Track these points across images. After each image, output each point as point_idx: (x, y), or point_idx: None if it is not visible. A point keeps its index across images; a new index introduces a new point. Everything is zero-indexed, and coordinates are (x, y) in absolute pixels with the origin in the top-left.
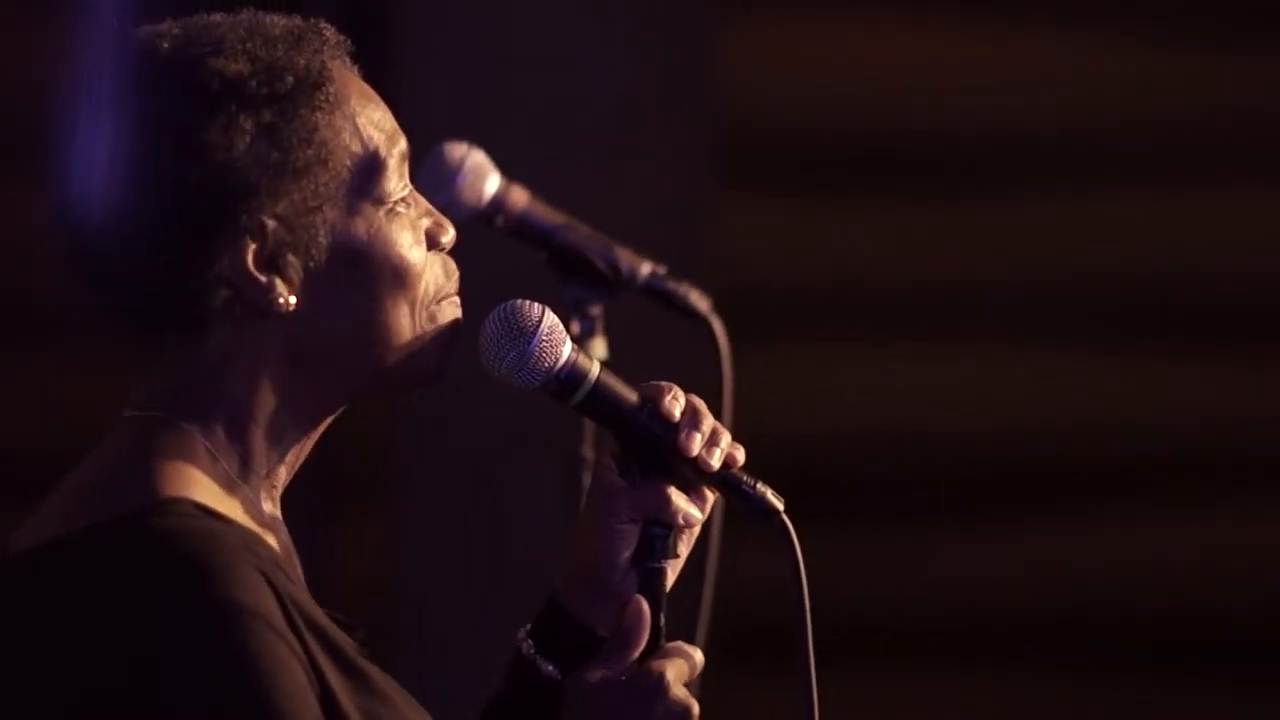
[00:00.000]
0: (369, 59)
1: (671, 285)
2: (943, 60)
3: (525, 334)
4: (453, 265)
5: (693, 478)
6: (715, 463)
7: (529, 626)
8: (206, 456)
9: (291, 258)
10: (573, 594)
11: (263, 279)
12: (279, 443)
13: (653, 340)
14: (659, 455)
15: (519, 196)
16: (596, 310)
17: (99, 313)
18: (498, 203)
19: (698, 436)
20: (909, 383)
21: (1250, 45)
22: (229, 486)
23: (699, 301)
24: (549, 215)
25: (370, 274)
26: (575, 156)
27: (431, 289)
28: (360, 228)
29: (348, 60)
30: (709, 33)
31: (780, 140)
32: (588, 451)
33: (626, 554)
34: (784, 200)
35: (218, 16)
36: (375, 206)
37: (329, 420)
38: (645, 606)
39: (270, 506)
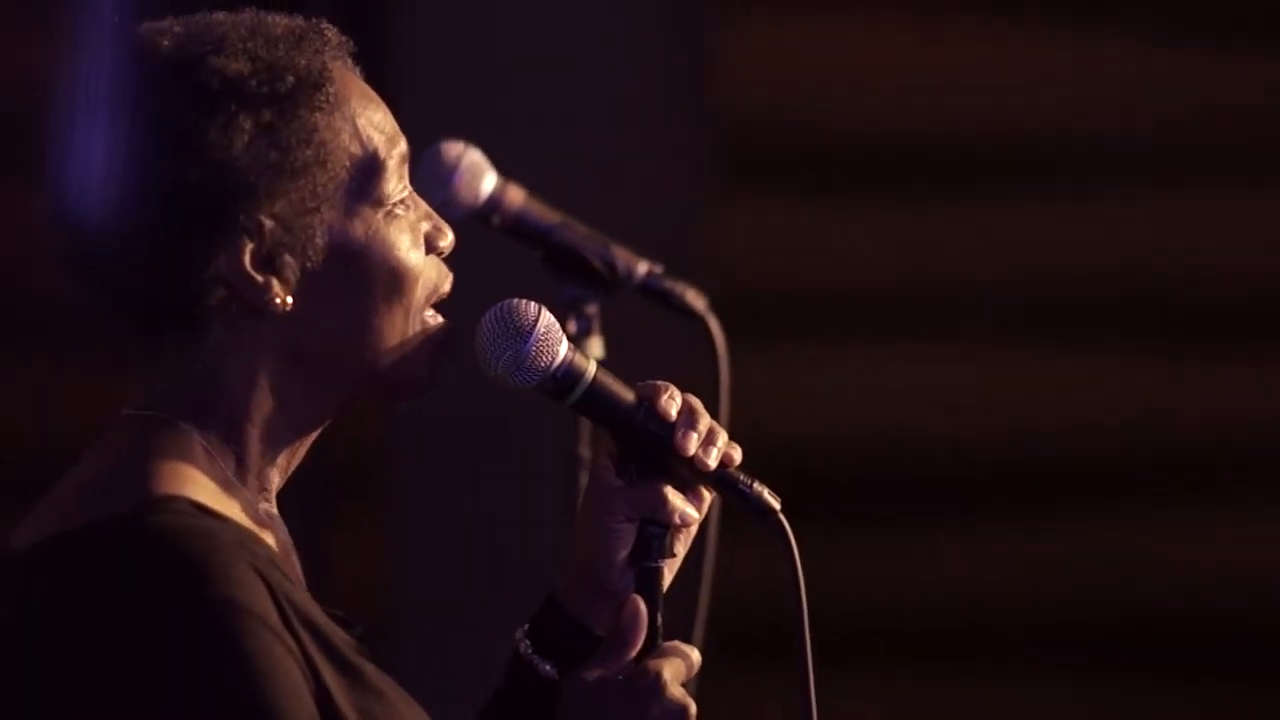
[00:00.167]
0: (367, 58)
1: (668, 284)
2: (942, 61)
3: (521, 333)
4: (446, 270)
5: (690, 477)
6: (712, 462)
7: (527, 626)
8: (204, 455)
9: (288, 258)
10: (570, 593)
11: (259, 279)
12: (275, 442)
13: (649, 339)
14: (656, 454)
15: (515, 195)
16: (593, 309)
17: (97, 312)
18: (494, 201)
19: (694, 436)
20: (907, 383)
21: (1250, 45)
22: (226, 485)
23: (696, 301)
24: (545, 214)
25: (367, 276)
26: (574, 156)
27: (424, 293)
28: (358, 229)
29: (349, 61)
30: (708, 33)
31: (779, 141)
32: (585, 451)
33: (624, 553)
34: (782, 200)
35: (220, 15)
36: (374, 208)
37: (325, 422)
38: (642, 606)
39: (267, 505)
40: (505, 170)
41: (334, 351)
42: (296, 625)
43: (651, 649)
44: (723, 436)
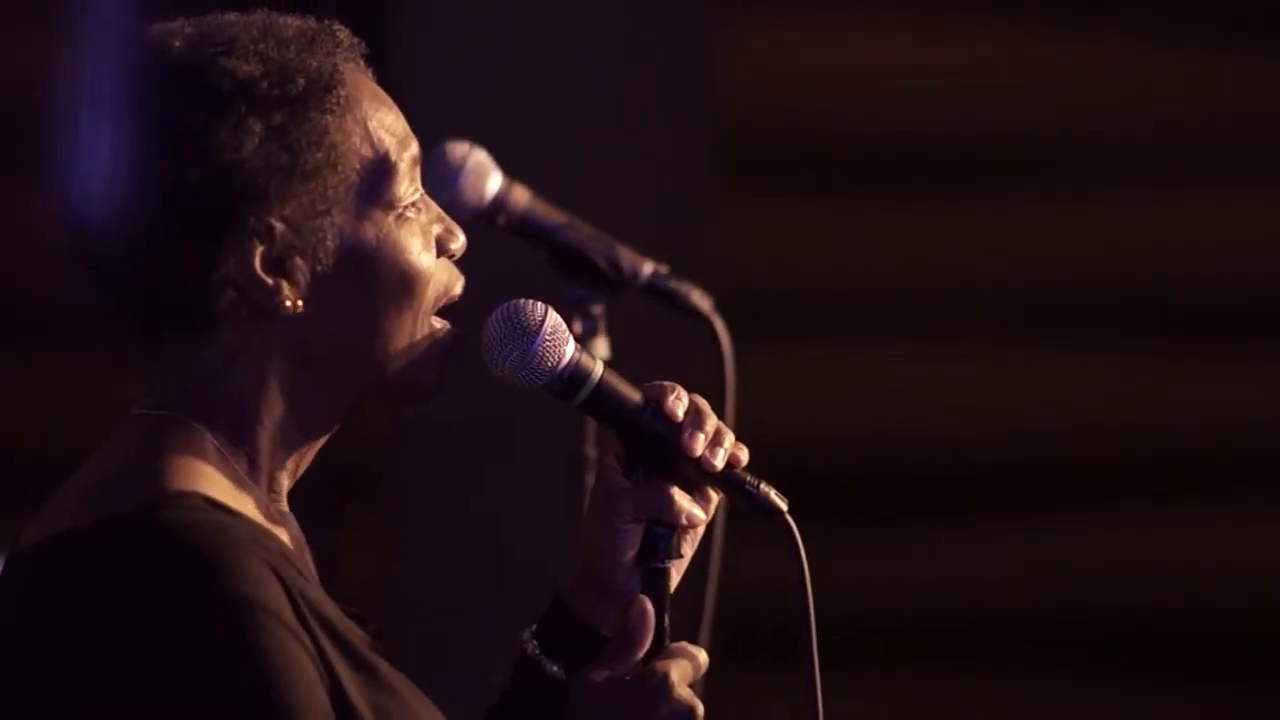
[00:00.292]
0: (368, 59)
1: (674, 285)
2: (942, 61)
3: (528, 334)
4: (457, 273)
5: (696, 478)
6: (719, 463)
7: (534, 627)
8: (215, 453)
9: (298, 261)
10: (577, 594)
11: (269, 281)
12: (285, 444)
13: (655, 340)
14: (662, 455)
15: (521, 196)
16: (598, 310)
17: (105, 313)
18: (500, 202)
19: (701, 436)
20: (908, 383)
21: (1250, 45)
22: (238, 482)
23: (701, 301)
24: (551, 214)
25: (377, 278)
26: (575, 157)
27: (435, 295)
28: (369, 232)
29: (362, 63)
30: (709, 33)
31: (779, 140)
32: (591, 451)
33: (630, 554)
34: (783, 200)
35: (232, 16)
36: (385, 211)
37: (335, 425)
38: (649, 607)
39: (282, 504)
40: (506, 171)
41: (343, 354)
42: (311, 621)
43: (659, 650)
44: (729, 437)
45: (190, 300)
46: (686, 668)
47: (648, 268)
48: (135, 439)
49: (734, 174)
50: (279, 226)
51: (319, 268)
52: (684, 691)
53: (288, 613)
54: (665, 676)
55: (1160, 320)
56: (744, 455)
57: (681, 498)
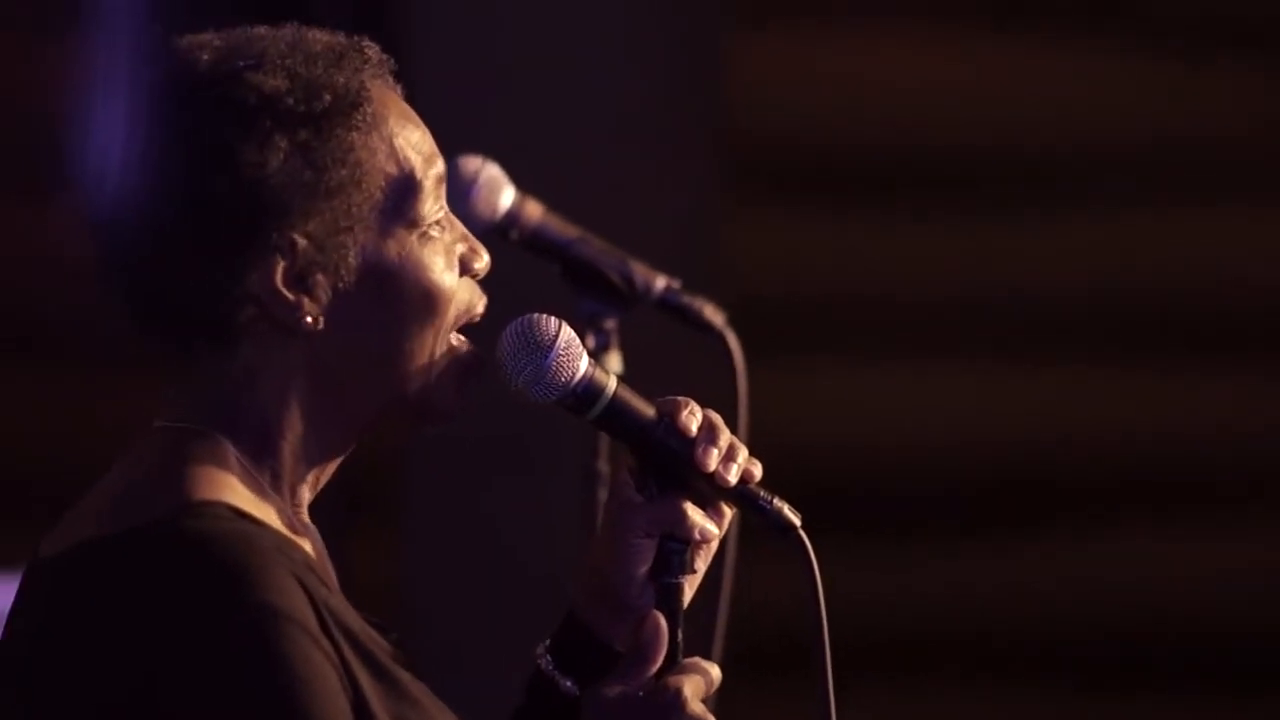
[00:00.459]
0: (396, 75)
1: (686, 299)
2: (951, 73)
3: (542, 348)
4: (480, 292)
5: (710, 493)
6: (733, 478)
7: (547, 642)
8: (238, 465)
9: (320, 277)
10: (590, 609)
11: (291, 297)
12: (306, 457)
13: (668, 354)
14: (676, 470)
15: (533, 210)
16: (611, 324)
17: (126, 325)
18: (512, 216)
19: (715, 451)
20: (920, 396)
21: (1253, 60)
22: (261, 493)
23: (714, 316)
24: (564, 229)
25: (399, 297)
26: (585, 169)
27: (456, 314)
28: (392, 250)
29: (390, 80)
30: (720, 45)
31: (791, 153)
32: (603, 466)
33: (644, 569)
34: (795, 213)
35: (261, 30)
36: (408, 229)
37: (354, 441)
38: (663, 622)
39: (305, 516)
40: (516, 185)
41: (363, 371)
42: (334, 631)
43: (672, 665)
44: (743, 452)
45: (211, 313)
46: (699, 683)
47: (660, 282)
48: (158, 450)
49: (745, 187)
50: (302, 242)
51: (341, 284)
52: (697, 707)
53: (312, 622)
54: (678, 692)
55: (1166, 335)
56: (758, 470)
57: (695, 513)
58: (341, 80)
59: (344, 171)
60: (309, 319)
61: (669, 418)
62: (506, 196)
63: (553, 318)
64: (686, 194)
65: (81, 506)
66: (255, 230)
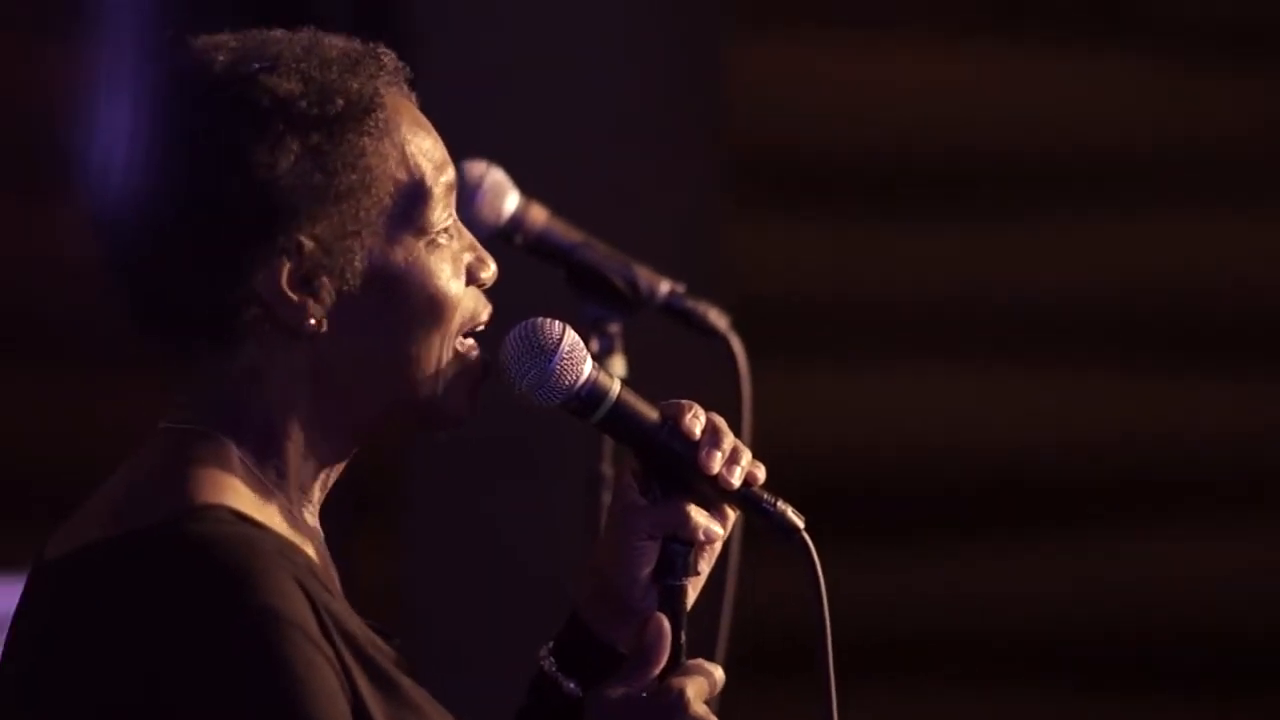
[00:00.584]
0: (411, 83)
1: (690, 303)
2: (951, 80)
3: (546, 352)
4: (485, 301)
5: (713, 495)
6: (736, 481)
7: (550, 644)
8: (242, 467)
9: (325, 280)
10: (593, 611)
11: (295, 299)
12: (311, 459)
13: (672, 358)
14: (679, 473)
15: (538, 214)
16: (615, 328)
17: (131, 321)
18: (517, 221)
19: (718, 454)
20: (923, 399)
21: (1252, 65)
22: (265, 496)
23: (718, 320)
24: (568, 233)
25: (403, 302)
26: (588, 174)
27: (461, 322)
28: (398, 256)
29: (405, 87)
30: (721, 50)
31: (793, 158)
32: (607, 469)
33: (647, 570)
34: (797, 218)
35: (278, 33)
36: (416, 236)
37: (359, 444)
38: (666, 624)
39: (309, 518)
40: (516, 187)
41: (365, 375)
42: (334, 635)
43: (675, 667)
44: (747, 455)
45: (215, 313)
46: (702, 684)
47: (665, 286)
48: (162, 452)
49: (745, 189)
50: (308, 245)
51: (345, 288)
52: (700, 708)
53: (312, 626)
54: (681, 693)
55: (1166, 336)
56: (761, 473)
57: (698, 514)
58: (356, 86)
59: (354, 176)
60: (312, 321)
61: (673, 420)
62: (511, 201)
63: (557, 321)
64: (687, 196)
65: (86, 508)
66: (263, 231)
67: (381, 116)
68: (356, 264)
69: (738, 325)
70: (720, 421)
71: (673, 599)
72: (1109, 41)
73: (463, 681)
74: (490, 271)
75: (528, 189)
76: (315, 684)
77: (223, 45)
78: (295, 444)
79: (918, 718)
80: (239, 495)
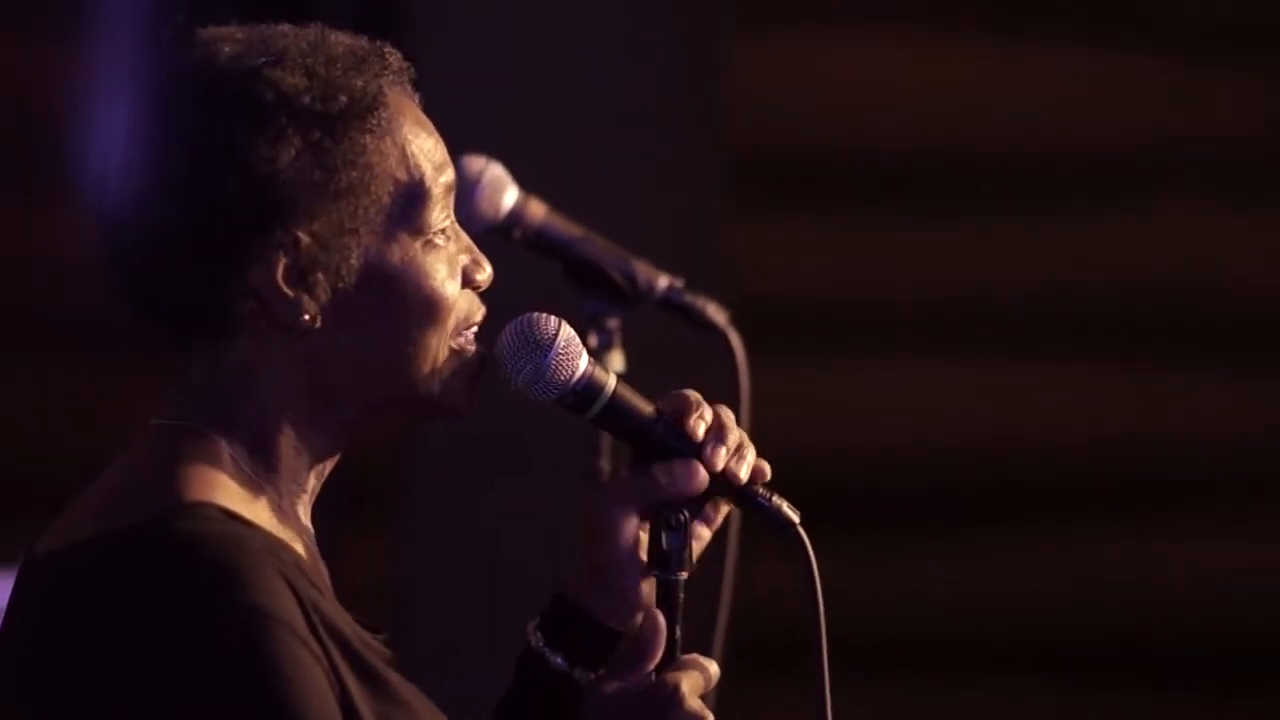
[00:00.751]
0: (415, 83)
1: (689, 298)
2: (951, 77)
3: (541, 347)
4: (479, 303)
5: (712, 490)
6: (744, 474)
7: (537, 619)
8: (232, 464)
9: (321, 276)
10: (575, 586)
11: (291, 294)
12: (303, 456)
13: (670, 353)
14: None
15: (537, 209)
16: (614, 323)
17: (127, 315)
18: (516, 215)
19: (723, 450)
20: (920, 396)
21: (1252, 63)
22: (255, 492)
23: (716, 315)
24: (567, 228)
25: (398, 302)
26: (587, 170)
27: (454, 322)
28: (395, 255)
29: (408, 87)
30: (721, 47)
31: (791, 155)
32: (604, 464)
33: (625, 540)
34: (797, 214)
35: (285, 27)
36: (413, 236)
37: (350, 440)
38: (661, 619)
39: (301, 515)
40: (519, 186)
41: (359, 372)
42: (322, 632)
43: (670, 661)
44: (751, 451)
45: (211, 306)
46: (697, 679)
47: (663, 281)
48: (152, 449)
49: (745, 187)
50: (305, 241)
51: (341, 285)
52: (695, 703)
53: (300, 623)
54: (676, 688)
55: (1166, 335)
56: (767, 469)
57: (662, 471)
58: (360, 84)
59: (354, 174)
60: (307, 317)
61: (675, 415)
62: (510, 196)
63: (552, 316)
64: (687, 194)
65: (77, 504)
66: (261, 226)
67: (384, 115)
68: (353, 261)
69: (738, 323)
70: (727, 415)
71: (668, 594)
72: (1109, 40)
73: (458, 678)
74: (486, 274)
75: (528, 187)
76: (303, 681)
77: (228, 38)
78: (287, 440)
79: (917, 715)
80: (228, 493)
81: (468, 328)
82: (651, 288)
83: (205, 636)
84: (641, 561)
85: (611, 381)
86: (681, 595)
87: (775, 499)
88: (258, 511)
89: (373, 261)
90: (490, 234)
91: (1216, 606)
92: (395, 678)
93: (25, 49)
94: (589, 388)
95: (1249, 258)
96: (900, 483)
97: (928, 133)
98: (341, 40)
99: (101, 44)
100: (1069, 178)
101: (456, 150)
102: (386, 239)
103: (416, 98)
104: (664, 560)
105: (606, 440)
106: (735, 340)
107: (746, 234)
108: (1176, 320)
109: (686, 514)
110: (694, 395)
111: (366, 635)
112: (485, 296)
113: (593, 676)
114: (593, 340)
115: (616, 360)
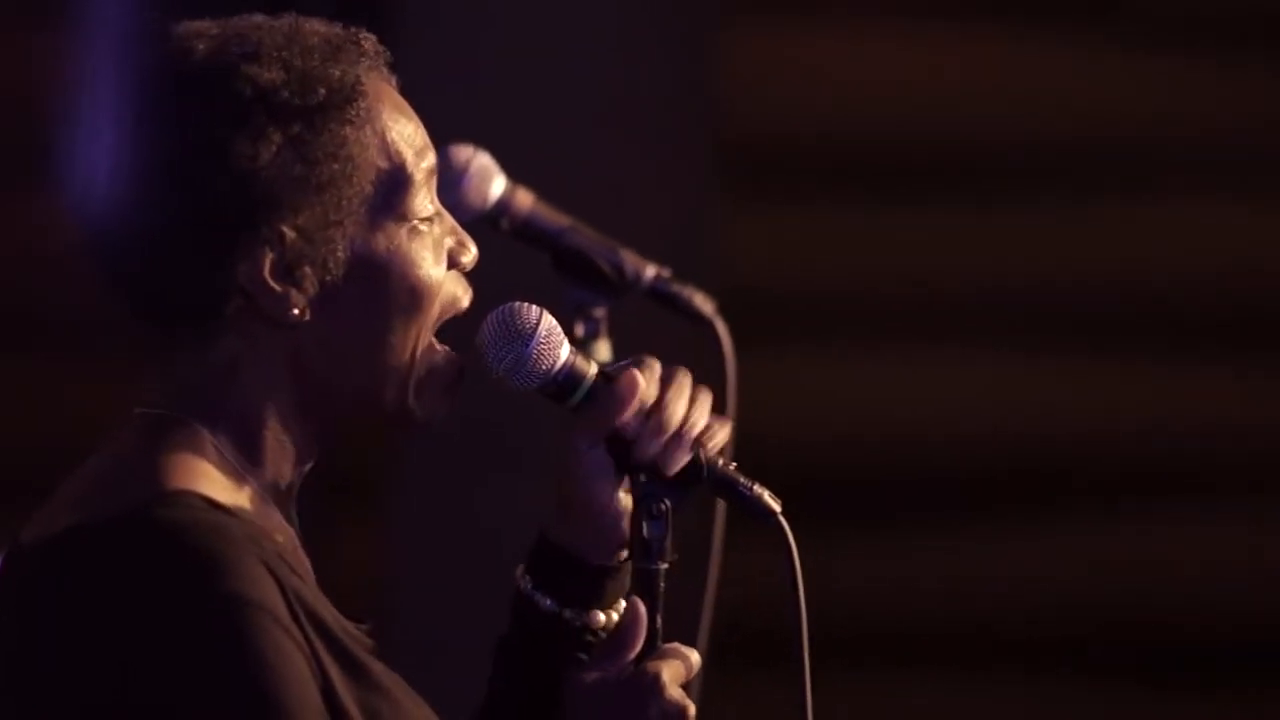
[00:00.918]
0: (392, 66)
1: (676, 288)
2: (945, 69)
3: (523, 336)
4: (466, 285)
5: (692, 478)
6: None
7: (524, 563)
8: (215, 453)
9: (308, 270)
10: (559, 526)
11: (278, 289)
12: (286, 447)
13: (657, 343)
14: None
15: (524, 199)
16: (601, 313)
17: (113, 311)
18: (503, 205)
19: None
20: (910, 387)
21: (1257, 55)
22: (238, 482)
23: (704, 304)
24: (554, 218)
25: (386, 290)
26: (576, 161)
27: (442, 308)
28: (380, 244)
29: (385, 71)
30: (711, 37)
31: (782, 144)
32: None
33: (591, 475)
34: (785, 204)
35: (259, 19)
36: (398, 223)
37: (335, 434)
38: (642, 608)
39: (282, 506)
40: (508, 176)
41: (346, 364)
42: (304, 621)
43: (651, 650)
44: (696, 430)
45: (197, 302)
46: (678, 668)
47: (650, 271)
48: (136, 438)
49: (735, 177)
50: (290, 235)
51: (328, 277)
52: (675, 692)
53: (282, 612)
54: (657, 677)
55: (1164, 327)
56: (722, 436)
57: (603, 395)
58: (337, 74)
59: (335, 166)
60: (295, 310)
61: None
62: (497, 185)
63: (534, 306)
64: (674, 185)
65: (60, 493)
66: (245, 222)
67: (363, 105)
68: (339, 253)
69: (725, 313)
70: (703, 401)
71: (649, 583)
72: (1106, 30)
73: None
74: (471, 255)
75: (515, 178)
76: (285, 669)
77: (203, 34)
78: (272, 432)
79: (910, 707)
80: (211, 481)
81: (456, 312)
82: (639, 277)
83: (188, 624)
84: (612, 492)
85: (593, 371)
86: (662, 585)
87: (757, 488)
88: (240, 501)
89: (359, 252)
90: (477, 223)
91: (1213, 596)
92: (378, 666)
93: (19, 41)
94: (570, 377)
95: (1248, 250)
96: (888, 473)
97: (917, 125)
98: (316, 29)
99: (83, 38)
100: (1060, 169)
101: (443, 141)
102: (371, 228)
103: (393, 81)
104: (645, 550)
105: None
106: (722, 330)
107: (734, 224)
108: (1174, 310)
109: (668, 503)
110: (636, 377)
111: (349, 624)
112: (472, 286)
113: (579, 616)
114: (580, 330)
115: (603, 350)
